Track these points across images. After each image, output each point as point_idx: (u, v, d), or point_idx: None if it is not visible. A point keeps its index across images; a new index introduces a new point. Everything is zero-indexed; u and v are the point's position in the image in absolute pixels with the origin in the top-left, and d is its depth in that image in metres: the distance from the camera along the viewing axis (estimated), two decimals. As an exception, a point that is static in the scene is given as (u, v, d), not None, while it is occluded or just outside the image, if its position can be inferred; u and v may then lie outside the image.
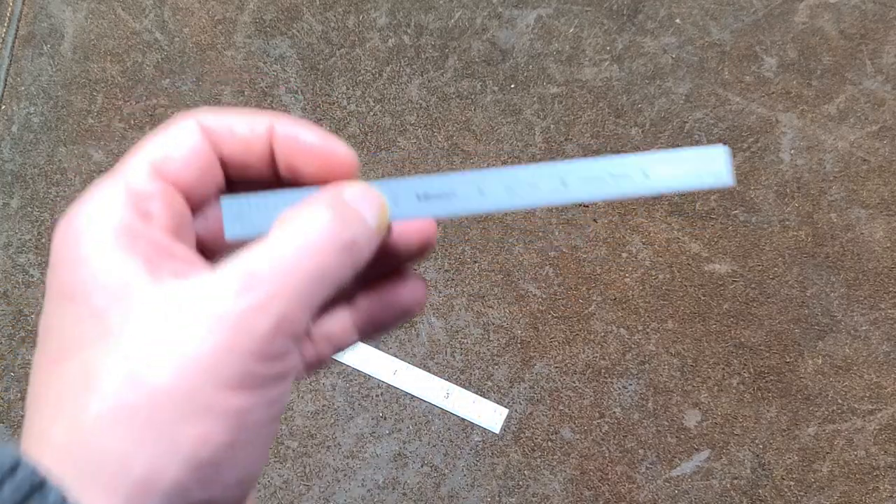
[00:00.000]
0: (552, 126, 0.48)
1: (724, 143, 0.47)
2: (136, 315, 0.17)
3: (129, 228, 0.18)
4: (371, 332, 0.23)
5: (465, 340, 0.44)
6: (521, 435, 0.43)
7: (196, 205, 0.21)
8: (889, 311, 0.44)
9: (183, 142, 0.20)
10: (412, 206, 0.23)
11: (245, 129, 0.21)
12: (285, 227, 0.18)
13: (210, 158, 0.21)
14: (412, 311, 0.23)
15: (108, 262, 0.18)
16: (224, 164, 0.21)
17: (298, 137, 0.21)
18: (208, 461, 0.16)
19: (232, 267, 0.17)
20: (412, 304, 0.23)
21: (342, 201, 0.19)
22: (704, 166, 0.24)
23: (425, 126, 0.48)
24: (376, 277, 0.23)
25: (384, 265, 0.23)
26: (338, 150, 0.21)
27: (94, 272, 0.17)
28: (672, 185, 0.23)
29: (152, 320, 0.17)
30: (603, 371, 0.43)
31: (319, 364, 0.23)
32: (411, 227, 0.23)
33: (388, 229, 0.21)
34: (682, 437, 0.42)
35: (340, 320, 0.23)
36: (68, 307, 0.18)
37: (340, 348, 0.23)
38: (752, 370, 0.43)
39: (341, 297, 0.22)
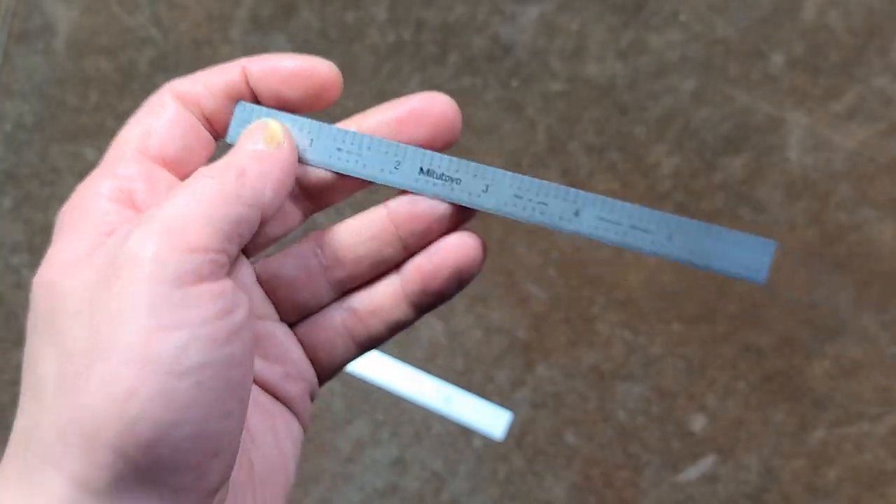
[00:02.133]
0: (555, 123, 0.47)
1: (730, 142, 0.46)
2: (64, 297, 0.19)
3: (104, 215, 0.20)
4: (425, 303, 0.23)
5: (466, 343, 0.44)
6: (524, 439, 0.42)
7: (191, 171, 0.21)
8: (898, 312, 0.44)
9: (159, 117, 0.22)
10: (412, 178, 0.24)
11: (218, 79, 0.22)
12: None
13: (191, 123, 0.22)
14: (462, 269, 0.23)
15: (68, 251, 0.19)
16: (212, 123, 0.23)
17: (275, 66, 0.22)
18: (135, 415, 0.17)
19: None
20: (459, 259, 0.22)
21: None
22: (743, 253, 0.23)
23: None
24: (424, 244, 0.23)
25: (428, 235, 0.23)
26: (317, 67, 0.22)
27: (46, 328, 0.19)
28: (690, 259, 0.23)
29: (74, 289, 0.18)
30: (607, 374, 0.43)
31: (371, 343, 0.24)
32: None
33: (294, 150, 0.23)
34: (688, 441, 0.42)
35: (388, 291, 0.23)
36: (27, 359, 0.19)
37: (394, 325, 0.24)
38: (759, 373, 0.43)
39: (388, 266, 0.23)
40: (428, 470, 0.42)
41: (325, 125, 0.24)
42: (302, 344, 0.24)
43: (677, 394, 0.43)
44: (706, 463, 0.42)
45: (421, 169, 0.25)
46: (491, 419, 0.42)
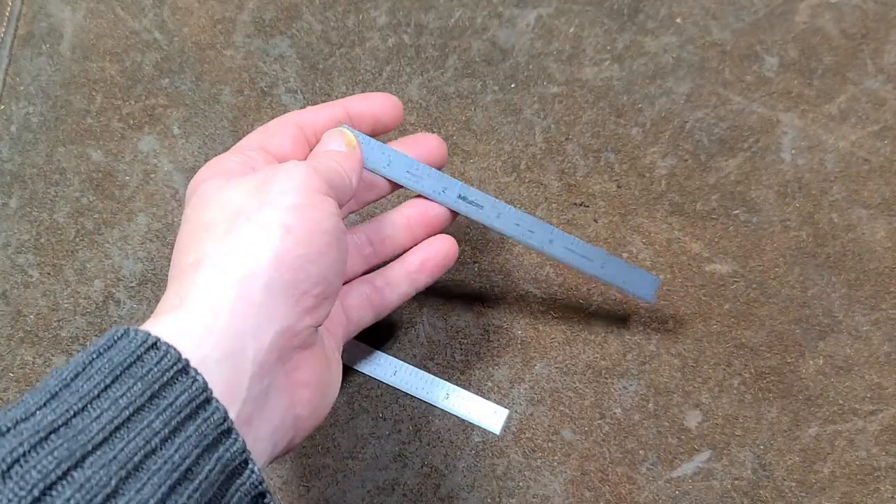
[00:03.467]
0: (552, 126, 0.48)
1: (725, 144, 0.47)
2: (228, 209, 0.27)
3: (234, 172, 0.30)
4: (421, 281, 0.37)
5: (465, 341, 0.44)
6: (522, 436, 0.43)
7: None
8: (890, 311, 0.44)
9: (281, 129, 0.33)
10: (452, 200, 0.36)
11: (327, 112, 0.34)
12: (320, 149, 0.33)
13: (300, 137, 0.33)
14: (444, 259, 0.37)
15: (220, 190, 0.29)
16: (317, 138, 0.34)
17: (369, 100, 0.35)
18: (287, 258, 0.26)
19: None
20: (442, 252, 0.37)
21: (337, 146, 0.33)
22: (641, 283, 0.39)
23: (425, 126, 0.48)
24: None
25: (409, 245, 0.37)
26: (390, 98, 0.36)
27: (214, 196, 0.28)
28: (612, 282, 0.39)
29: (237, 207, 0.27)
30: (603, 372, 0.43)
31: (384, 309, 0.37)
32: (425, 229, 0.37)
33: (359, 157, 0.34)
34: (683, 437, 0.42)
35: (398, 272, 0.37)
36: (194, 219, 0.28)
37: (402, 296, 0.37)
38: (752, 371, 0.43)
39: (401, 249, 0.37)
40: (428, 465, 0.42)
41: (400, 153, 0.35)
42: (341, 304, 0.35)
43: (673, 391, 0.43)
44: (701, 459, 0.42)
45: (459, 195, 0.36)
46: (489, 416, 0.43)
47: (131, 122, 0.49)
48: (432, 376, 0.43)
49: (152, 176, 0.48)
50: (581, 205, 0.46)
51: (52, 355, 0.45)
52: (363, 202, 0.36)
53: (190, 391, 0.22)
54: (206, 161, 0.48)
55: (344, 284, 0.34)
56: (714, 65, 0.48)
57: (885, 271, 0.45)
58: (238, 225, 0.26)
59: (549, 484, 0.42)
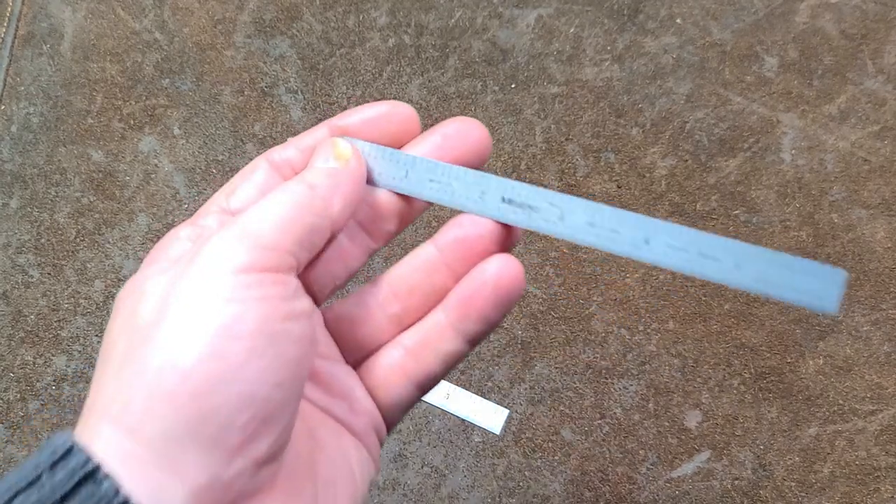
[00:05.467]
0: (553, 126, 0.48)
1: (725, 144, 0.47)
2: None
3: (182, 249, 0.23)
4: (471, 330, 0.23)
5: (466, 341, 0.44)
6: (522, 436, 0.43)
7: None
8: (890, 311, 0.44)
9: (247, 178, 0.25)
10: (495, 207, 0.25)
11: (309, 140, 0.25)
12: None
13: (274, 182, 0.24)
14: (500, 290, 0.23)
15: (148, 271, 0.22)
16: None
17: (364, 112, 0.24)
18: (196, 373, 0.19)
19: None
20: (496, 281, 0.22)
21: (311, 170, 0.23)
22: (813, 284, 0.22)
23: (426, 126, 0.48)
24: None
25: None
26: (400, 109, 0.24)
27: (125, 307, 0.21)
28: (763, 289, 0.22)
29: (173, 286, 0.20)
30: (603, 372, 0.43)
31: (427, 380, 0.24)
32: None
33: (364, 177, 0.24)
34: (683, 437, 0.42)
35: (435, 322, 0.24)
36: (113, 321, 0.21)
37: (447, 358, 0.24)
38: (753, 371, 0.43)
39: (439, 296, 0.24)
40: (428, 465, 0.42)
41: (419, 158, 0.26)
42: (364, 384, 0.25)
43: (673, 391, 0.43)
44: (701, 459, 0.42)
45: (502, 198, 0.25)
46: (490, 416, 0.43)
47: (132, 122, 0.49)
48: (432, 376, 0.43)
49: (153, 176, 0.48)
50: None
51: (53, 355, 0.45)
52: (384, 235, 0.26)
53: None
54: (206, 161, 0.48)
55: (369, 356, 0.26)
56: (714, 65, 0.48)
57: (884, 271, 0.45)
58: (135, 353, 0.20)
59: (549, 484, 0.42)
